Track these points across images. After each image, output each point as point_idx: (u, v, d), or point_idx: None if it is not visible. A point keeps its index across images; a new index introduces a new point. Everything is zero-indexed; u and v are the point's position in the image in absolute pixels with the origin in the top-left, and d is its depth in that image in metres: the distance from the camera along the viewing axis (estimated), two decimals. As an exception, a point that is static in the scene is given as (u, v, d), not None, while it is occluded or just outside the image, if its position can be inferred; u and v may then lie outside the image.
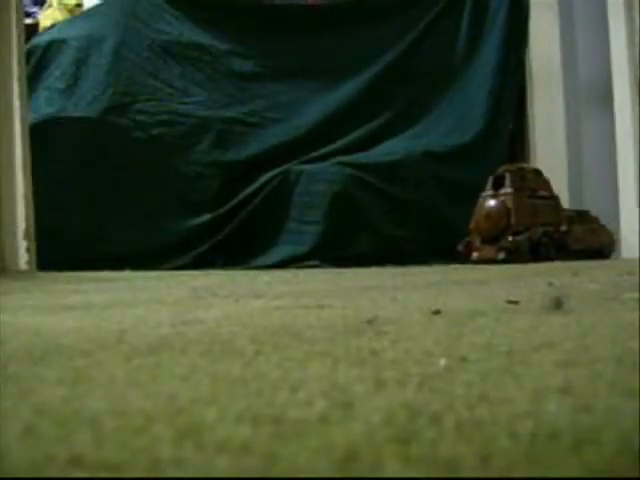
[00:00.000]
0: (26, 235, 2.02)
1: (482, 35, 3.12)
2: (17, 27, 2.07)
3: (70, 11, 3.63)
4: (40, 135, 2.38)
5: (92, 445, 0.27)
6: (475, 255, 2.41)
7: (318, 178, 2.59)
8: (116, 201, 2.61)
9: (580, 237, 2.56)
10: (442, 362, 0.44)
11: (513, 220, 2.40)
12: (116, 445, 0.27)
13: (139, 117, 2.72)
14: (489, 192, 2.51)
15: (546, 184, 2.66)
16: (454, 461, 0.25)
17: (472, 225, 2.47)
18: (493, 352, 0.49)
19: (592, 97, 3.32)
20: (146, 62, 2.88)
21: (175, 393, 0.36)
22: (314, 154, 2.74)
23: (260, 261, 2.50)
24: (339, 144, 2.81)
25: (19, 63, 2.06)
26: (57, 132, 2.58)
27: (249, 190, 2.64)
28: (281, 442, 0.27)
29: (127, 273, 2.06)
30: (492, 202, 2.46)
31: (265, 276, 1.80)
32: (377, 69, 3.03)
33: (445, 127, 2.96)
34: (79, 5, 3.68)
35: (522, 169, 2.59)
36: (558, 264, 2.24)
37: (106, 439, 0.28)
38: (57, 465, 0.25)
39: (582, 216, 2.72)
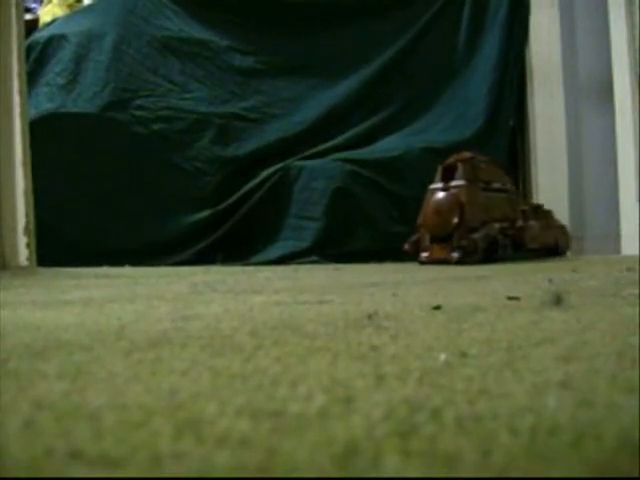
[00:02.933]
0: (26, 231, 2.02)
1: (483, 31, 3.12)
2: (17, 23, 2.07)
3: (70, 7, 3.63)
4: (40, 131, 2.37)
5: (92, 439, 0.27)
6: (424, 255, 2.14)
7: (318, 174, 2.59)
8: (116, 197, 2.61)
9: (537, 234, 2.33)
10: (442, 357, 0.44)
11: (467, 216, 2.12)
12: (116, 439, 0.27)
13: (139, 113, 2.72)
14: (438, 184, 2.23)
15: (500, 175, 2.42)
16: (454, 455, 0.25)
17: (420, 221, 2.21)
18: (493, 347, 0.49)
19: (592, 93, 3.32)
20: (146, 58, 2.88)
21: (175, 388, 0.36)
22: (314, 150, 2.74)
23: (260, 257, 2.50)
24: (339, 140, 2.81)
25: (19, 59, 2.06)
26: (57, 128, 2.58)
27: (249, 186, 2.64)
28: (281, 436, 0.27)
29: (127, 269, 2.06)
30: (442, 196, 2.18)
31: (265, 272, 1.80)
32: (378, 65, 3.02)
33: (445, 123, 2.96)
34: (79, 1, 3.68)
35: (474, 158, 2.31)
36: (558, 263, 2.24)
37: (106, 433, 0.28)
38: (57, 459, 0.25)
39: (536, 210, 2.50)
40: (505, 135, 3.08)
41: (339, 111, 2.90)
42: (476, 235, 2.08)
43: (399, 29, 3.09)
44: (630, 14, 3.03)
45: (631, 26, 3.02)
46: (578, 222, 3.28)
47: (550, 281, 1.19)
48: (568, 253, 2.56)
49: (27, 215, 2.02)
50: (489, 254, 2.09)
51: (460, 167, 2.21)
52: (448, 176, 2.21)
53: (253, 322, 0.65)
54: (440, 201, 2.17)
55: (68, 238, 2.44)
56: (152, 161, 2.65)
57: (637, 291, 0.89)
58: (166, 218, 2.61)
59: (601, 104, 3.22)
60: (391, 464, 0.24)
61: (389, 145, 2.78)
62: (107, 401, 0.33)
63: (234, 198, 2.64)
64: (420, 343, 0.51)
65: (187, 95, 2.84)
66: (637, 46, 2.99)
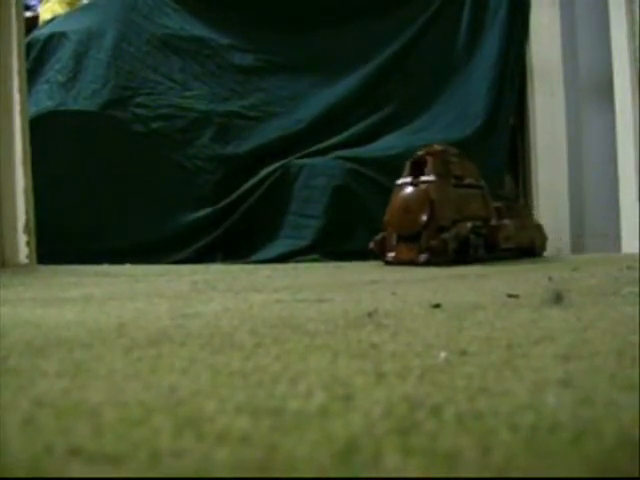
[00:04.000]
0: (26, 229, 2.02)
1: (483, 29, 3.11)
2: (17, 20, 2.07)
3: (70, 4, 3.63)
4: (40, 129, 2.37)
5: (92, 436, 0.27)
6: (390, 256, 1.99)
7: (318, 172, 2.59)
8: (116, 195, 2.61)
9: (511, 233, 2.15)
10: (442, 355, 0.44)
11: (437, 213, 1.97)
12: (116, 436, 0.27)
13: (139, 111, 2.71)
14: (407, 179, 2.06)
15: (473, 170, 2.25)
16: (454, 453, 0.25)
17: (386, 218, 2.06)
18: (493, 345, 0.49)
19: (593, 92, 3.32)
20: (146, 56, 2.88)
21: (175, 385, 0.36)
22: (314, 148, 2.73)
23: (260, 255, 2.50)
24: (339, 138, 2.80)
25: (19, 56, 2.06)
26: (57, 126, 2.57)
27: (249, 184, 2.64)
28: (281, 433, 0.27)
29: (127, 267, 2.06)
30: (410, 192, 2.02)
31: (265, 270, 1.80)
32: (378, 63, 3.02)
33: (445, 122, 2.96)
34: (79, -1, 3.68)
35: (445, 152, 2.14)
36: (558, 262, 2.23)
37: (106, 430, 0.28)
38: (57, 456, 0.25)
39: (511, 208, 2.33)
40: (505, 134, 3.08)
41: (339, 109, 2.90)
42: (446, 234, 1.94)
43: (399, 27, 3.09)
44: (630, 13, 3.02)
45: (631, 24, 3.02)
46: (578, 221, 3.28)
47: (550, 279, 1.19)
48: (544, 254, 2.38)
49: (27, 213, 2.02)
50: (460, 255, 1.95)
51: (430, 161, 2.06)
52: (417, 171, 2.06)
53: (253, 320, 0.65)
54: (408, 197, 2.02)
55: (68, 236, 2.44)
56: (152, 159, 2.65)
57: (637, 289, 0.89)
58: (166, 216, 2.60)
59: (601, 103, 3.22)
60: (391, 461, 0.24)
61: (389, 143, 2.78)
62: (107, 398, 0.33)
63: (234, 196, 2.64)
64: (420, 341, 0.51)
65: (187, 93, 2.84)
66: (637, 44, 2.99)
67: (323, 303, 0.81)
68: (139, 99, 2.74)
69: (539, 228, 2.39)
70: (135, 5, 2.99)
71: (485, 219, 2.11)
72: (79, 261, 2.15)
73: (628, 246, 2.96)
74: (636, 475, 0.23)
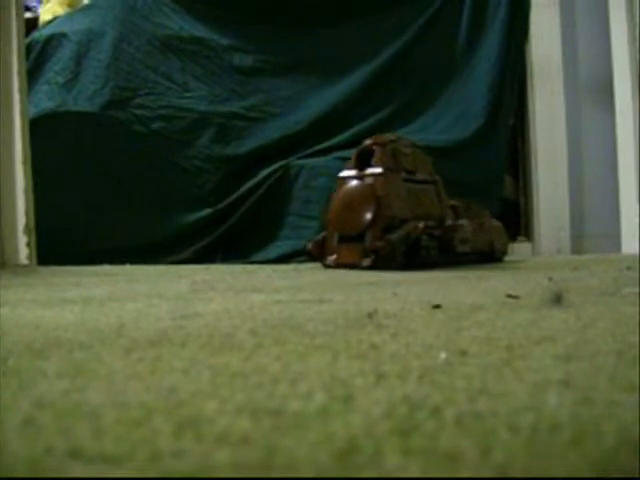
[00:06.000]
0: (26, 229, 2.02)
1: (483, 30, 3.12)
2: (17, 21, 2.07)
3: (70, 5, 3.63)
4: (40, 129, 2.37)
5: (92, 437, 0.27)
6: (330, 259, 1.79)
7: (318, 173, 2.59)
8: (116, 195, 2.61)
9: (468, 235, 1.89)
10: (442, 356, 0.44)
11: (384, 211, 1.75)
12: (116, 437, 0.27)
13: (139, 111, 2.72)
14: (351, 172, 1.84)
15: (426, 164, 2.01)
16: (454, 453, 0.25)
17: (328, 216, 1.85)
18: (493, 346, 0.49)
19: (593, 92, 3.32)
20: (146, 56, 2.88)
21: (175, 386, 0.36)
22: (314, 149, 2.73)
23: (260, 255, 2.50)
24: (340, 139, 2.80)
25: (19, 57, 2.06)
26: (57, 126, 2.57)
27: (249, 185, 2.64)
28: (281, 434, 0.27)
29: (127, 267, 2.06)
30: (355, 186, 1.80)
31: (265, 270, 1.80)
32: (378, 64, 3.02)
33: (445, 122, 2.96)
34: (79, -1, 3.68)
35: (396, 142, 1.89)
36: (558, 261, 2.23)
37: (106, 431, 0.28)
38: (56, 457, 0.25)
39: (469, 208, 2.08)
40: (505, 134, 3.08)
41: (339, 110, 2.90)
42: (393, 235, 1.71)
43: (399, 28, 3.09)
44: (631, 13, 3.03)
45: (632, 26, 3.02)
46: (578, 221, 3.28)
47: (550, 279, 1.19)
48: (505, 258, 2.13)
49: (27, 214, 2.02)
50: (410, 258, 1.73)
51: (378, 152, 1.83)
52: (363, 162, 1.83)
53: (253, 321, 0.65)
54: (352, 192, 1.79)
55: (68, 236, 2.44)
56: (152, 160, 2.65)
57: (637, 290, 0.89)
58: (166, 216, 2.60)
59: (602, 103, 3.22)
60: (391, 462, 0.24)
61: (389, 144, 2.78)
62: (107, 399, 0.33)
63: (234, 197, 2.64)
64: (420, 342, 0.51)
65: (187, 94, 2.84)
66: (637, 45, 2.99)
67: (323, 304, 0.81)
68: (139, 100, 2.74)
69: (500, 230, 2.12)
70: (135, 6, 2.99)
71: (440, 219, 1.89)
72: (79, 262, 2.15)
73: (628, 246, 2.96)
74: (636, 475, 0.23)
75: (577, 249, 3.24)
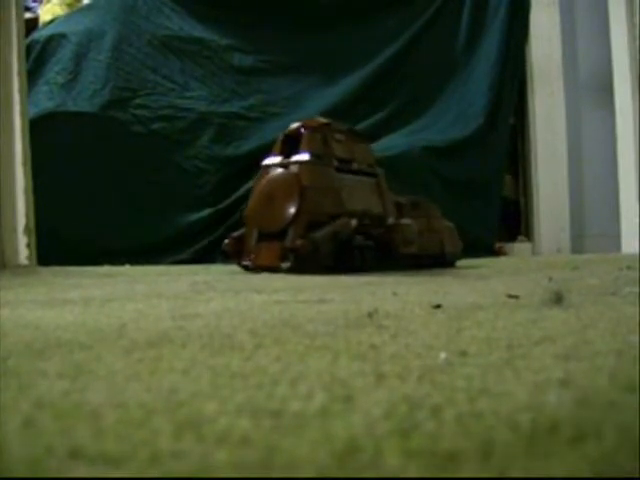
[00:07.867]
0: (26, 230, 2.02)
1: (483, 30, 3.12)
2: (17, 22, 2.07)
3: (70, 6, 3.63)
4: (40, 130, 2.37)
5: (92, 438, 0.27)
6: (248, 260, 1.59)
7: (318, 173, 2.59)
8: (116, 196, 2.61)
9: (413, 236, 1.64)
10: (442, 356, 0.44)
11: (310, 205, 1.51)
12: (116, 438, 0.27)
13: (139, 112, 2.72)
14: (274, 159, 1.60)
15: (366, 153, 1.74)
16: (454, 453, 0.25)
17: (247, 212, 1.64)
18: (493, 346, 0.49)
19: (593, 92, 3.32)
20: (146, 57, 2.88)
21: (175, 386, 0.36)
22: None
23: (260, 256, 2.50)
24: (339, 139, 2.80)
25: (19, 57, 2.06)
26: (57, 127, 2.57)
27: (249, 185, 2.64)
28: (281, 435, 0.27)
29: (127, 268, 2.06)
30: (277, 175, 1.55)
31: (265, 270, 1.79)
32: (377, 63, 3.03)
33: (445, 122, 2.96)
34: (79, 0, 3.68)
35: (328, 126, 1.64)
36: (558, 261, 2.22)
37: (106, 432, 0.28)
38: (57, 457, 0.25)
39: (417, 206, 1.82)
40: (505, 134, 3.09)
41: (339, 110, 2.90)
42: (317, 233, 1.47)
43: (399, 28, 3.09)
44: (631, 14, 3.03)
45: (632, 26, 3.02)
46: (578, 221, 3.28)
47: (550, 279, 1.19)
48: (457, 262, 1.91)
49: (27, 214, 2.02)
50: (341, 261, 1.51)
51: (306, 136, 1.58)
52: (291, 149, 1.59)
53: (253, 321, 0.65)
54: (274, 183, 1.55)
55: (68, 237, 2.44)
56: (152, 160, 2.65)
57: (637, 289, 0.89)
58: (166, 217, 2.61)
59: (601, 103, 3.22)
60: (391, 462, 0.24)
61: (389, 144, 2.78)
62: (107, 400, 0.33)
63: (234, 197, 2.64)
64: (420, 342, 0.51)
65: (187, 94, 2.84)
66: (637, 45, 2.99)
67: (323, 304, 0.81)
68: (139, 100, 2.74)
69: (451, 231, 1.87)
70: (135, 6, 2.99)
71: (380, 217, 1.67)
72: (79, 262, 2.15)
73: (628, 246, 2.96)
74: (636, 475, 0.23)
75: (577, 249, 3.24)
